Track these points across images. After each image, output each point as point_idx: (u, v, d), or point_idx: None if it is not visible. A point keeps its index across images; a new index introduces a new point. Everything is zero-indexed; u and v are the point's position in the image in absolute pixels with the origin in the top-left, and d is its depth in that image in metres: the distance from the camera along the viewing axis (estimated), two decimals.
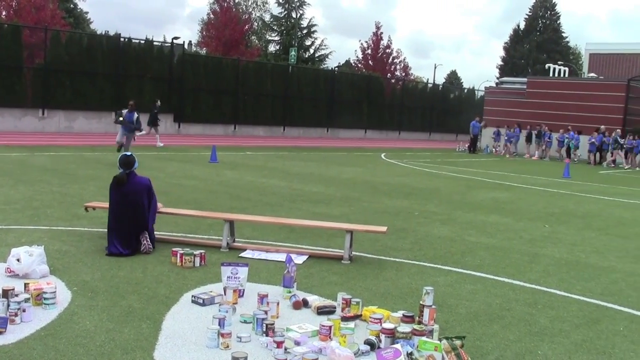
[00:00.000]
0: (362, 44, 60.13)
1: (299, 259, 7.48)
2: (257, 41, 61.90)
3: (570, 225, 11.78)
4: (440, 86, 60.52)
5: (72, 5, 51.54)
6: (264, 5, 64.50)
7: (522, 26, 76.30)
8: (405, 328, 4.85)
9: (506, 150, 36.95)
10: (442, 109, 53.41)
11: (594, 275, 7.97)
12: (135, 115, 17.92)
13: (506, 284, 7.18)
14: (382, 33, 59.00)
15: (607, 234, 11.13)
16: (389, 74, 56.76)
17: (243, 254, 7.72)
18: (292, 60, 46.30)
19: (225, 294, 5.80)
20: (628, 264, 8.80)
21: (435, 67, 78.68)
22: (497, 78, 67.34)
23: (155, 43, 34.64)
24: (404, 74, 60.74)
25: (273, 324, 4.95)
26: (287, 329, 4.97)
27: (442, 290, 6.66)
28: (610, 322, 6.10)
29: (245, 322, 5.20)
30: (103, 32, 35.87)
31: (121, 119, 17.85)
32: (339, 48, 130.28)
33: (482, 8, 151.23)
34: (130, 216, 7.48)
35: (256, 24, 62.34)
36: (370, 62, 58.13)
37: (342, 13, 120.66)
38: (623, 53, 49.28)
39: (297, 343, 4.75)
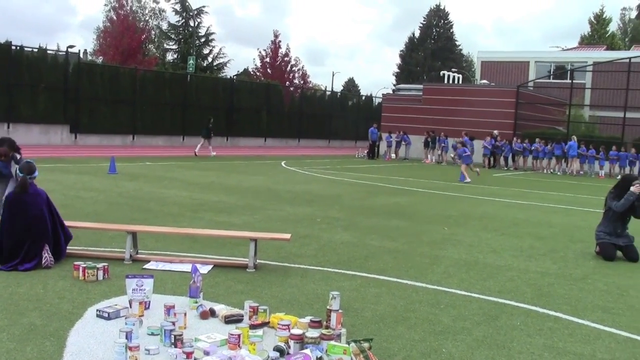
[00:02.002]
0: (260, 52, 60.28)
1: (204, 269, 7.45)
2: (155, 50, 60.95)
3: (468, 227, 12.19)
4: (339, 94, 61.30)
5: None
6: (161, 14, 63.61)
7: (417, 34, 78.19)
8: (313, 333, 4.92)
9: (389, 154, 37.97)
10: (341, 116, 54.08)
11: (491, 274, 8.29)
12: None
13: (409, 286, 7.37)
14: (280, 41, 59.37)
15: (503, 234, 11.57)
16: (287, 82, 57.06)
17: (147, 266, 7.62)
18: (191, 69, 45.84)
19: (131, 307, 5.72)
20: (523, 262, 9.19)
21: (333, 75, 79.88)
22: (394, 85, 68.70)
23: (49, 51, 33.62)
24: (302, 82, 61.21)
25: (181, 334, 4.93)
26: (196, 339, 4.96)
27: (348, 295, 6.78)
28: (508, 317, 6.37)
29: (152, 334, 5.15)
30: None
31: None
32: (235, 56, 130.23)
33: (373, 17, 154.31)
34: (30, 228, 7.25)
35: (154, 32, 61.40)
36: (269, 70, 58.28)
37: (236, 21, 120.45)
38: (512, 61, 51.18)
39: (207, 353, 4.74)
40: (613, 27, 78.77)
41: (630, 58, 37.05)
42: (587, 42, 71.47)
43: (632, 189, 9.71)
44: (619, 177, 12.03)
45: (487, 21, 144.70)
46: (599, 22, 75.09)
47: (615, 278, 8.48)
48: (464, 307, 6.65)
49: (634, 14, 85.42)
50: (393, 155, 38.42)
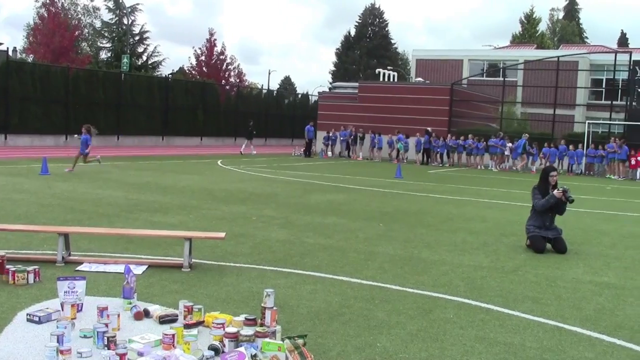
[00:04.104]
0: (195, 50, 59.75)
1: (138, 269, 7.38)
2: (88, 48, 59.77)
3: (403, 223, 12.34)
4: (275, 92, 61.21)
5: None
6: (94, 12, 62.41)
7: (352, 33, 78.60)
8: (248, 331, 4.93)
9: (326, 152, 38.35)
10: (277, 115, 54.03)
11: (426, 268, 8.42)
12: None
13: (345, 282, 7.44)
14: (215, 40, 58.88)
15: (437, 230, 11.76)
16: (223, 81, 56.71)
17: (80, 268, 7.50)
18: (125, 67, 45.14)
19: (62, 310, 5.63)
20: (456, 256, 9.37)
21: (269, 73, 79.63)
22: (330, 83, 68.96)
23: None
24: (238, 81, 60.90)
25: (114, 336, 4.88)
26: (130, 341, 4.91)
27: (283, 292, 6.81)
28: (441, 311, 6.49)
29: (85, 336, 5.06)
30: None
31: None
32: (170, 55, 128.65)
33: (305, 15, 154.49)
34: None
35: (87, 30, 60.19)
36: (204, 68, 57.80)
37: (168, 20, 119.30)
38: (447, 59, 52.00)
39: (141, 354, 4.70)
40: (543, 27, 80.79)
41: (558, 57, 38.05)
42: (518, 41, 73.14)
43: (554, 192, 10.02)
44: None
45: (418, 20, 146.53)
46: (529, 21, 76.88)
47: (545, 269, 8.72)
48: (399, 301, 6.75)
49: (562, 15, 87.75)
50: (329, 153, 38.64)
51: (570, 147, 32.71)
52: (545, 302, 7.04)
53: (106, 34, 58.58)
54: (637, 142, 31.48)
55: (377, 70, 50.74)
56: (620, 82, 40.81)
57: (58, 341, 4.72)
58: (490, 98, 43.24)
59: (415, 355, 5.18)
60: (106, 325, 5.08)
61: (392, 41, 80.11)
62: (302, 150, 37.98)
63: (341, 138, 38.50)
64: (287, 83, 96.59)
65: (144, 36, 58.36)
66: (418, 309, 6.52)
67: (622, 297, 7.43)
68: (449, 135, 35.59)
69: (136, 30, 57.70)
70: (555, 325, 6.21)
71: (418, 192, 18.59)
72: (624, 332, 6.10)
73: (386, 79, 47.72)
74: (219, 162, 27.73)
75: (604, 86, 46.06)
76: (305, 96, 63.57)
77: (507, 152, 33.50)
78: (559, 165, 32.63)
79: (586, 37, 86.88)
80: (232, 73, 61.14)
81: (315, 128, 39.28)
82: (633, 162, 30.79)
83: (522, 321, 6.28)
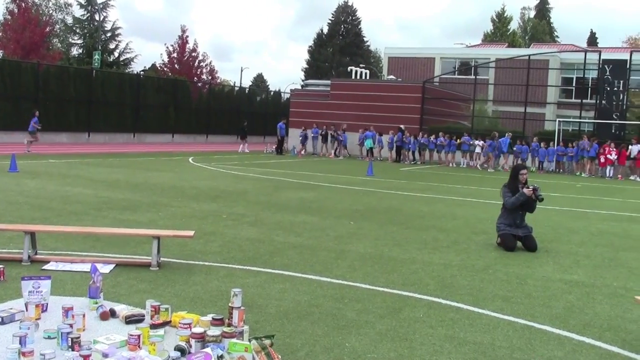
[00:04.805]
0: (167, 47, 59.33)
1: (106, 268, 7.28)
2: (59, 44, 59.03)
3: (373, 221, 12.33)
4: (247, 89, 61.00)
5: None
6: (65, 8, 61.59)
7: (325, 30, 78.57)
8: (215, 331, 4.86)
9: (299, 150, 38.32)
10: (250, 112, 53.86)
11: (395, 267, 8.40)
12: None
13: (314, 281, 7.39)
14: (187, 36, 58.58)
15: (408, 227, 11.76)
16: (195, 78, 56.40)
17: (46, 267, 7.38)
18: (96, 64, 44.68)
19: (27, 310, 5.51)
20: (426, 254, 9.36)
21: (242, 71, 79.37)
22: (303, 81, 68.89)
23: None
24: (210, 78, 60.61)
25: (79, 337, 4.77)
26: (94, 341, 4.81)
27: (252, 291, 6.75)
28: (411, 310, 6.47)
29: (49, 337, 4.96)
30: None
31: None
32: (142, 52, 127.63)
33: (277, 13, 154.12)
34: None
35: (58, 26, 59.43)
36: (176, 65, 57.43)
37: (140, 16, 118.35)
38: (419, 57, 52.15)
39: (105, 355, 4.60)
40: (514, 26, 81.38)
41: (529, 55, 38.33)
42: (489, 39, 73.58)
43: (524, 190, 10.06)
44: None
45: (389, 18, 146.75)
46: (501, 20, 77.39)
47: (515, 268, 8.75)
48: (368, 300, 6.71)
49: (533, 14, 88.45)
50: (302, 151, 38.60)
51: (542, 144, 32.96)
52: (515, 300, 7.05)
53: (77, 30, 57.86)
54: (606, 139, 31.84)
55: (349, 68, 50.72)
56: (590, 81, 41.17)
57: (20, 342, 4.61)
58: (462, 96, 43.48)
59: (384, 355, 5.14)
60: (71, 325, 4.97)
61: (365, 39, 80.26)
62: (274, 147, 37.90)
63: (312, 135, 38.42)
64: (259, 80, 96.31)
65: (116, 33, 57.71)
66: (388, 308, 6.49)
67: (591, 295, 7.46)
68: (421, 133, 35.69)
69: (108, 26, 57.15)
70: (525, 324, 6.21)
71: (389, 190, 18.61)
72: (593, 331, 6.12)
73: (358, 77, 47.75)
74: (190, 160, 27.55)
75: (574, 85, 46.45)
76: (278, 93, 63.49)
77: (477, 150, 33.66)
78: (532, 163, 32.88)
79: (557, 36, 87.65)
80: (204, 70, 60.90)
81: (287, 125, 39.17)
82: (602, 159, 31.10)
83: (492, 320, 6.28)
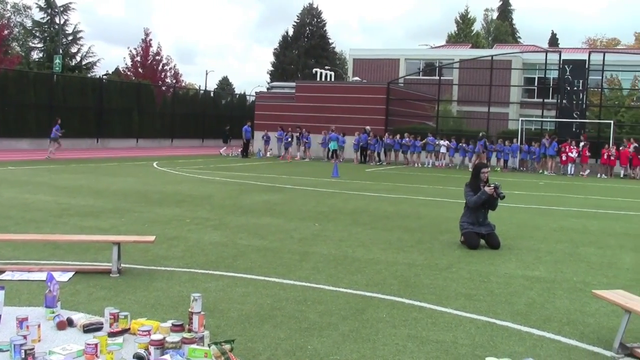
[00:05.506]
0: (131, 51, 58.79)
1: (64, 276, 7.16)
2: (18, 48, 58.13)
3: (338, 222, 12.31)
4: (212, 92, 60.68)
5: None
6: (24, 10, 60.63)
7: (290, 32, 78.49)
8: (174, 337, 4.81)
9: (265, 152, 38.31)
10: (215, 115, 53.64)
11: (360, 268, 8.39)
12: None
13: (277, 284, 7.34)
14: (151, 40, 58.11)
15: (373, 228, 11.76)
16: (159, 82, 55.99)
17: (2, 277, 7.22)
18: (57, 68, 44.07)
19: None
20: (391, 254, 9.37)
21: (207, 74, 78.94)
22: (268, 83, 68.72)
23: None
24: (175, 81, 60.22)
25: (33, 348, 4.65)
26: (50, 352, 4.73)
27: (214, 296, 6.68)
28: (374, 310, 6.45)
29: (1, 350, 4.85)
30: None
31: None
32: (104, 56, 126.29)
33: (240, 15, 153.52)
34: None
35: (17, 29, 58.51)
36: (140, 69, 56.94)
37: (100, 20, 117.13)
38: (383, 58, 52.30)
39: None
40: (477, 27, 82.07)
41: (492, 56, 38.67)
42: (453, 40, 74.08)
43: (485, 189, 10.13)
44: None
45: (353, 19, 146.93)
46: (465, 21, 77.96)
47: (478, 265, 8.79)
48: (331, 302, 6.69)
49: (496, 15, 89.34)
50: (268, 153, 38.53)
51: (506, 143, 33.27)
52: (478, 298, 7.08)
53: (37, 34, 56.98)
54: (567, 138, 32.27)
55: (314, 70, 50.72)
56: (552, 81, 41.68)
57: None
58: (427, 97, 43.73)
59: (346, 357, 5.12)
60: (25, 337, 4.86)
61: (330, 41, 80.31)
62: (239, 150, 37.78)
63: (277, 136, 38.30)
64: (225, 83, 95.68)
65: (78, 36, 56.84)
66: (351, 309, 6.47)
67: (552, 291, 7.52)
68: (386, 134, 35.81)
69: (69, 30, 56.35)
70: (487, 320, 6.24)
71: (354, 191, 18.62)
72: (553, 325, 6.17)
73: (323, 79, 47.79)
74: (154, 164, 27.32)
75: (536, 84, 46.97)
76: (243, 96, 63.25)
77: (442, 150, 33.88)
78: (496, 162, 33.17)
79: (519, 37, 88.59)
80: (168, 74, 60.47)
81: (252, 128, 39.06)
82: (564, 157, 31.52)
83: (455, 318, 6.29)
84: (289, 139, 37.15)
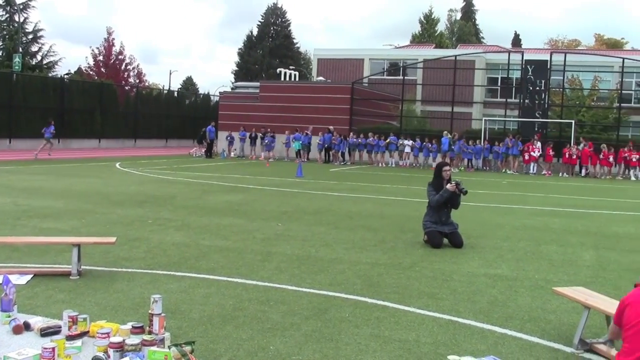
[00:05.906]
0: (93, 50, 58.13)
1: (23, 279, 7.03)
2: None
3: (302, 222, 12.28)
4: (176, 92, 60.30)
5: None
6: None
7: (255, 32, 78.24)
8: (134, 340, 4.75)
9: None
10: (179, 115, 53.30)
11: (323, 267, 8.37)
12: None
13: (239, 285, 7.29)
14: (114, 39, 57.56)
15: (336, 228, 11.75)
16: (122, 81, 55.44)
17: None
18: (17, 67, 43.36)
19: None
20: (354, 254, 9.36)
21: (170, 74, 78.38)
22: (232, 83, 68.46)
23: None
24: (138, 81, 59.69)
25: None
26: (5, 357, 4.62)
27: (176, 297, 6.62)
28: (337, 310, 6.43)
29: None
30: None
31: None
32: (65, 55, 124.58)
33: (204, 15, 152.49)
34: None
35: None
36: (103, 69, 56.34)
37: (61, 18, 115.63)
38: (348, 58, 52.40)
39: None
40: (441, 27, 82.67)
41: (456, 56, 39.00)
42: (418, 40, 74.48)
43: (447, 186, 10.18)
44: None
45: (317, 20, 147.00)
46: (429, 22, 78.45)
47: (441, 264, 8.82)
48: (294, 302, 6.66)
49: (459, 16, 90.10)
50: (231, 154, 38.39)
51: (470, 142, 33.55)
52: (440, 296, 7.10)
53: None
54: (530, 137, 32.64)
55: (278, 70, 50.65)
56: (514, 81, 42.13)
57: None
58: (391, 96, 43.90)
59: (309, 357, 5.09)
60: None
61: (295, 41, 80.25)
62: (203, 151, 37.56)
63: (240, 137, 38.17)
64: (189, 83, 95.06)
65: (38, 35, 55.98)
66: (314, 309, 6.44)
67: (514, 289, 7.58)
68: (351, 133, 35.88)
69: (29, 28, 55.47)
70: (449, 319, 6.26)
71: (318, 191, 18.61)
72: (515, 323, 6.21)
73: (288, 79, 47.73)
74: (117, 165, 27.03)
75: (499, 84, 47.42)
76: (207, 96, 62.95)
77: (407, 150, 34.03)
78: (460, 161, 33.42)
79: (482, 37, 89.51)
80: (131, 73, 59.92)
81: (216, 129, 38.87)
82: (527, 157, 31.89)
83: (418, 317, 6.30)
84: (235, 138, 37.65)
